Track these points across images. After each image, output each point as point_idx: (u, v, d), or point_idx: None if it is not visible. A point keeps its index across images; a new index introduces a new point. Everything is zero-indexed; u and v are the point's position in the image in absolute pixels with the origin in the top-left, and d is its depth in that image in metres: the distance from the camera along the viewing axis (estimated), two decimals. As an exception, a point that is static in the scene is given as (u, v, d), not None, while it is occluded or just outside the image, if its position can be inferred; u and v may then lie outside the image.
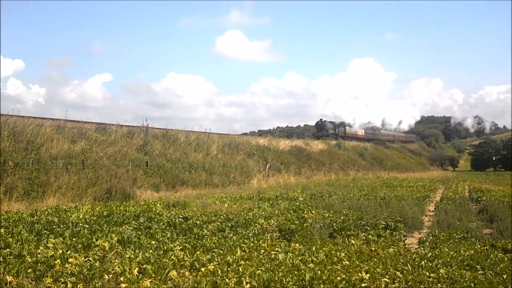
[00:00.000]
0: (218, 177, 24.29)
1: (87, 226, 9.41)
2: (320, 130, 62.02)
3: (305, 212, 12.95)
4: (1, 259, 6.53)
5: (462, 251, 8.01)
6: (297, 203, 15.38)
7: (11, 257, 6.71)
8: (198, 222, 10.57)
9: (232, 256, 7.14)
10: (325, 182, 27.43)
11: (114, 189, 16.30)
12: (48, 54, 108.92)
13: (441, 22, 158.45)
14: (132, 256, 6.98)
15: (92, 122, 24.65)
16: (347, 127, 69.14)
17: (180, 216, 11.29)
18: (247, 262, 6.82)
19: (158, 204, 14.09)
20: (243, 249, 7.75)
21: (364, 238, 9.20)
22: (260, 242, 8.34)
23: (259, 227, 10.35)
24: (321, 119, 64.35)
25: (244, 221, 10.82)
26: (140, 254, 7.12)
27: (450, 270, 6.57)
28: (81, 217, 10.91)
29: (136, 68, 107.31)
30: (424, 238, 9.40)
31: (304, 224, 10.40)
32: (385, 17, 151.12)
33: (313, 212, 12.99)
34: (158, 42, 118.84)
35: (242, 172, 27.14)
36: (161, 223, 10.22)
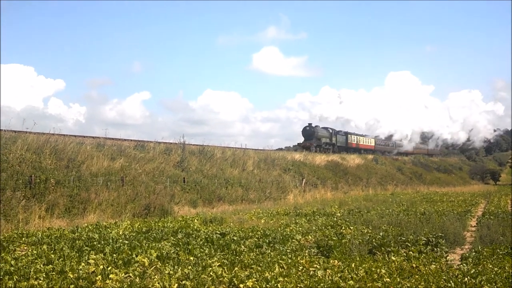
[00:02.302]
0: (254, 193, 24.30)
1: (126, 242, 9.55)
2: (309, 138, 48.43)
3: (343, 228, 12.80)
4: (44, 275, 6.69)
5: (506, 267, 7.75)
6: (335, 218, 15.21)
7: (54, 273, 6.88)
8: (235, 238, 10.58)
9: (270, 273, 7.11)
10: (362, 197, 27.06)
11: (153, 205, 16.53)
12: (88, 74, 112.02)
13: (480, 32, 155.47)
14: (171, 272, 7.04)
15: (131, 140, 25.13)
16: (350, 136, 56.71)
17: (218, 232, 11.34)
18: (286, 278, 6.78)
19: (195, 220, 14.19)
20: (281, 265, 7.72)
21: (404, 254, 9.02)
22: (298, 259, 8.28)
23: (297, 243, 10.29)
24: (310, 124, 49.53)
25: (281, 237, 10.78)
26: (179, 270, 7.17)
27: (495, 287, 6.37)
28: (121, 233, 11.09)
29: (174, 86, 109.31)
30: (467, 254, 9.16)
31: (343, 240, 10.27)
32: (422, 29, 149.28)
33: (352, 228, 12.82)
34: (195, 60, 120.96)
35: (278, 188, 27.08)
36: (199, 239, 10.28)
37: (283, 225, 13.50)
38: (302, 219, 15.13)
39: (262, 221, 14.66)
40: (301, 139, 49.31)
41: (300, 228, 12.69)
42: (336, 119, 60.82)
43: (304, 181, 30.56)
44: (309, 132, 49.10)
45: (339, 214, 16.65)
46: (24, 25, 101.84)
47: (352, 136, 57.49)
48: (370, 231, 12.02)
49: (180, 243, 9.63)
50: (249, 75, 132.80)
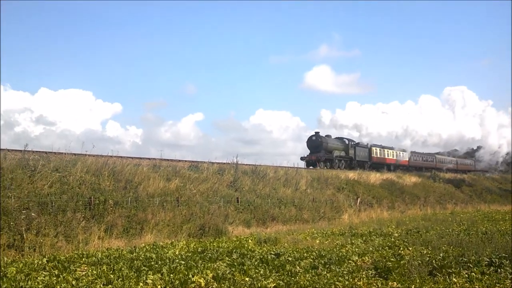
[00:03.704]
0: (308, 212, 24.07)
1: (183, 262, 9.65)
2: (316, 150, 40.45)
3: (401, 248, 12.41)
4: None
5: None
6: (392, 239, 14.79)
7: (114, 292, 7.01)
8: (290, 259, 10.47)
9: (327, 295, 6.97)
10: (420, 217, 26.23)
11: (207, 225, 16.67)
12: (144, 97, 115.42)
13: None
14: (227, 293, 7.03)
15: (185, 160, 25.59)
16: (374, 149, 48.19)
17: (272, 252, 11.26)
18: (343, 301, 6.63)
19: (249, 240, 14.17)
20: (338, 287, 7.56)
21: (466, 276, 8.63)
22: (356, 280, 8.09)
23: (353, 264, 10.06)
24: (317, 133, 41.52)
25: (337, 258, 10.58)
26: (235, 291, 7.15)
27: None
28: (177, 253, 11.22)
29: (226, 106, 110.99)
30: (533, 276, 8.66)
31: (401, 262, 9.96)
32: (478, 44, 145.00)
33: (410, 248, 12.41)
34: (248, 80, 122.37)
35: (332, 207, 26.72)
36: (254, 260, 10.24)
37: (338, 245, 13.25)
38: (358, 239, 14.80)
39: (317, 241, 14.45)
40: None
41: (357, 249, 12.41)
42: (376, 135, 51.75)
43: (359, 200, 30.02)
44: (315, 143, 40.79)
45: (396, 234, 16.18)
46: (83, 52, 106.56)
47: (377, 149, 48.85)
48: (429, 252, 11.60)
49: (235, 264, 9.63)
50: (301, 94, 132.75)
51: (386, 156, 50.78)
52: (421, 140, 55.45)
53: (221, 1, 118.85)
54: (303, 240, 14.73)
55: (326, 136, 42.93)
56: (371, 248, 12.57)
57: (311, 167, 38.16)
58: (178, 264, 9.36)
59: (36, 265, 9.25)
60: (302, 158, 41.04)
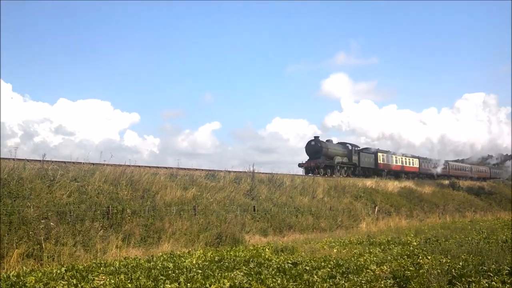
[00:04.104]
0: (325, 221, 23.94)
1: (200, 271, 9.65)
2: (315, 157, 38.11)
3: (420, 257, 12.26)
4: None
5: None
6: (411, 247, 14.62)
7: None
8: (307, 268, 10.41)
9: (345, 304, 6.91)
10: (439, 225, 25.89)
11: (224, 234, 16.66)
12: (162, 106, 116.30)
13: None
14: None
15: (202, 169, 25.66)
16: (381, 155, 45.76)
17: (290, 262, 11.21)
18: (361, 311, 6.56)
19: (266, 249, 14.11)
20: (356, 297, 7.49)
21: (486, 285, 8.50)
22: (374, 290, 8.01)
23: (371, 273, 9.96)
24: (316, 138, 39.27)
25: (355, 267, 10.48)
26: (252, 300, 7.12)
27: None
28: (194, 262, 11.22)
29: (243, 115, 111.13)
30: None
31: (420, 271, 9.84)
32: (497, 50, 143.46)
33: (429, 257, 12.25)
34: (264, 89, 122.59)
35: (349, 216, 26.52)
36: (271, 269, 10.20)
37: (356, 254, 13.13)
38: (376, 248, 14.65)
39: (335, 250, 14.34)
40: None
41: (375, 258, 12.29)
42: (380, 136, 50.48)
43: (376, 209, 29.78)
44: (314, 148, 38.43)
45: (415, 243, 15.99)
46: (102, 63, 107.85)
47: (383, 155, 46.41)
48: (449, 261, 11.44)
49: (252, 273, 9.61)
50: (317, 102, 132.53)
51: (394, 163, 48.17)
52: (456, 148, 54.95)
53: (239, 12, 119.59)
54: (321, 249, 14.63)
55: (327, 141, 40.58)
56: (389, 257, 12.43)
57: (310, 174, 36.15)
58: (195, 273, 9.36)
59: (54, 275, 9.33)
60: (300, 165, 38.54)
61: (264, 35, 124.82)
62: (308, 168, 37.70)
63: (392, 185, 38.13)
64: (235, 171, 26.48)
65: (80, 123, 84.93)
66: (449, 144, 54.06)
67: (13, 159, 16.67)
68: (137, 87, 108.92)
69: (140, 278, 8.90)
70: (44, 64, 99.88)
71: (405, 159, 49.99)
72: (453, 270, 9.60)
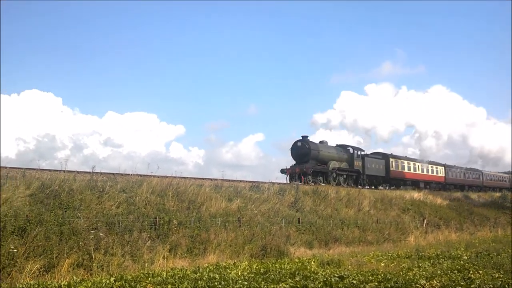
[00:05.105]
0: (371, 234, 23.51)
1: (246, 283, 9.63)
2: (302, 161, 31.97)
3: (471, 272, 11.84)
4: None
5: None
6: (461, 262, 14.15)
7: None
8: (354, 282, 10.22)
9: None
10: (491, 239, 24.99)
11: (269, 246, 16.60)
12: (206, 118, 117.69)
13: None
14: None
15: (246, 181, 25.75)
16: (393, 160, 39.80)
17: (336, 275, 11.02)
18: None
19: (312, 262, 13.95)
20: (406, 312, 7.29)
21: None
22: (424, 306, 7.77)
23: (421, 288, 9.69)
24: (304, 138, 33.03)
25: (403, 282, 10.23)
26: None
27: None
28: (240, 274, 11.21)
29: (287, 126, 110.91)
30: None
31: (471, 286, 9.54)
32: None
33: (480, 272, 11.82)
34: (309, 100, 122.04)
35: (397, 229, 25.96)
36: (317, 282, 10.07)
37: (405, 268, 12.80)
38: (425, 262, 14.25)
39: (382, 264, 14.04)
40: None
41: (424, 272, 11.95)
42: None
43: (425, 222, 29.03)
44: (301, 150, 32.16)
45: (466, 257, 15.48)
46: (148, 77, 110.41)
47: (397, 161, 40.17)
48: (501, 276, 11.00)
49: (298, 286, 9.52)
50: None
51: (412, 171, 41.95)
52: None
53: (282, 23, 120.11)
54: (368, 262, 14.35)
55: (321, 142, 34.58)
56: (439, 272, 12.08)
57: (298, 182, 29.85)
58: (241, 285, 9.35)
59: (104, 285, 9.51)
60: (282, 171, 32.34)
61: (309, 45, 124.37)
62: (293, 174, 31.45)
63: (441, 197, 37.17)
64: (279, 183, 26.45)
65: (127, 136, 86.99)
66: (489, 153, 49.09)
67: (64, 170, 17.21)
68: (182, 99, 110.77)
69: (187, 289, 8.96)
70: (93, 78, 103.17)
71: (427, 166, 43.95)
72: (506, 286, 9.22)
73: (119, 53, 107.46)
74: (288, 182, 30.08)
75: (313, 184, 29.99)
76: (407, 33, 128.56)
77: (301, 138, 33.05)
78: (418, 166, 42.94)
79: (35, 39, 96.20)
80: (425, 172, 43.40)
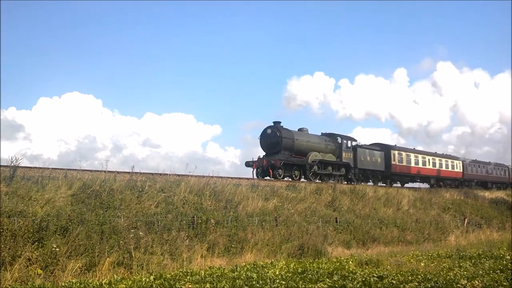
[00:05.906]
0: (411, 234, 23.14)
1: (283, 282, 9.64)
2: (271, 151, 26.88)
3: (515, 272, 11.52)
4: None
5: None
6: (504, 262, 13.76)
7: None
8: (394, 282, 10.09)
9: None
10: (535, 238, 24.22)
11: (306, 246, 16.54)
12: (242, 118, 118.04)
13: None
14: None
15: (283, 180, 25.71)
16: (396, 153, 34.94)
17: (375, 275, 10.91)
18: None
19: (350, 262, 13.83)
20: (447, 313, 7.16)
21: None
22: (466, 306, 7.61)
23: (463, 289, 9.49)
24: (275, 124, 27.63)
25: (444, 282, 10.04)
26: (337, 313, 7.01)
27: None
28: (277, 273, 11.22)
29: (321, 124, 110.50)
30: None
31: (516, 287, 9.25)
32: None
33: (525, 272, 11.49)
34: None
35: (437, 228, 25.46)
36: (356, 282, 9.99)
37: (445, 268, 12.55)
38: (467, 262, 13.94)
39: (422, 264, 13.80)
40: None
41: (465, 272, 11.69)
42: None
43: (466, 221, 28.37)
44: (271, 139, 27.04)
45: (508, 257, 15.05)
46: (186, 79, 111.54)
47: (401, 153, 35.42)
48: (548, 277, 10.66)
49: (336, 286, 9.47)
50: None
51: (420, 165, 37.02)
52: None
53: (315, 16, 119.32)
54: (407, 262, 14.13)
55: (299, 129, 29.11)
56: (481, 272, 11.78)
57: (267, 177, 25.55)
58: (278, 285, 9.36)
59: (143, 283, 9.69)
60: (247, 164, 27.39)
61: (346, 40, 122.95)
62: (259, 168, 26.44)
63: (483, 196, 36.23)
64: (316, 182, 26.29)
65: (165, 136, 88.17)
66: None
67: (104, 171, 17.57)
68: (219, 99, 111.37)
69: (225, 287, 9.04)
70: (132, 81, 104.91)
71: (440, 160, 39.05)
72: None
73: (157, 56, 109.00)
74: (255, 177, 25.86)
75: (290, 180, 26.12)
76: (447, 29, 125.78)
77: (272, 124, 27.91)
78: (429, 160, 38.31)
79: (76, 43, 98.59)
80: (437, 167, 38.73)
